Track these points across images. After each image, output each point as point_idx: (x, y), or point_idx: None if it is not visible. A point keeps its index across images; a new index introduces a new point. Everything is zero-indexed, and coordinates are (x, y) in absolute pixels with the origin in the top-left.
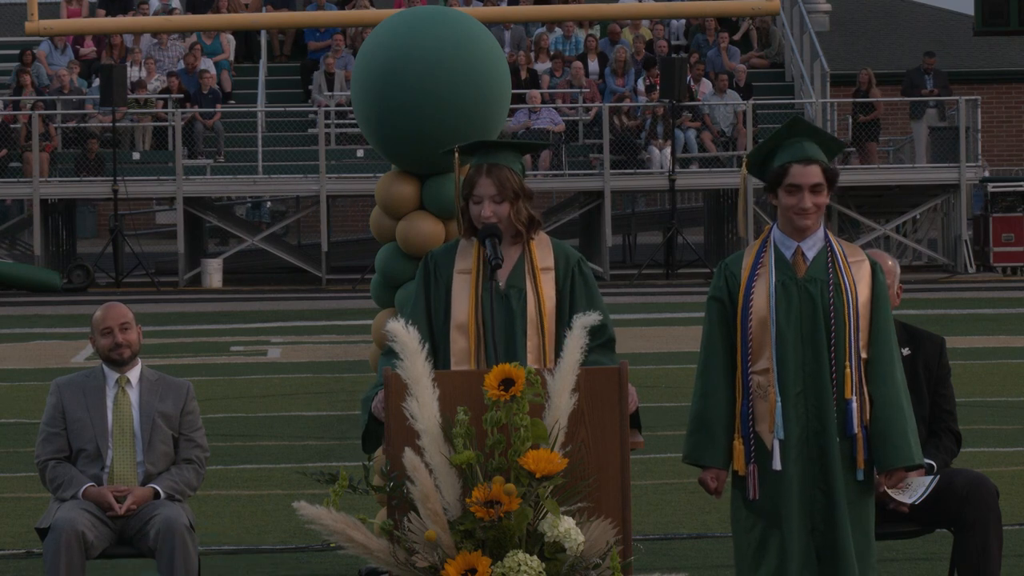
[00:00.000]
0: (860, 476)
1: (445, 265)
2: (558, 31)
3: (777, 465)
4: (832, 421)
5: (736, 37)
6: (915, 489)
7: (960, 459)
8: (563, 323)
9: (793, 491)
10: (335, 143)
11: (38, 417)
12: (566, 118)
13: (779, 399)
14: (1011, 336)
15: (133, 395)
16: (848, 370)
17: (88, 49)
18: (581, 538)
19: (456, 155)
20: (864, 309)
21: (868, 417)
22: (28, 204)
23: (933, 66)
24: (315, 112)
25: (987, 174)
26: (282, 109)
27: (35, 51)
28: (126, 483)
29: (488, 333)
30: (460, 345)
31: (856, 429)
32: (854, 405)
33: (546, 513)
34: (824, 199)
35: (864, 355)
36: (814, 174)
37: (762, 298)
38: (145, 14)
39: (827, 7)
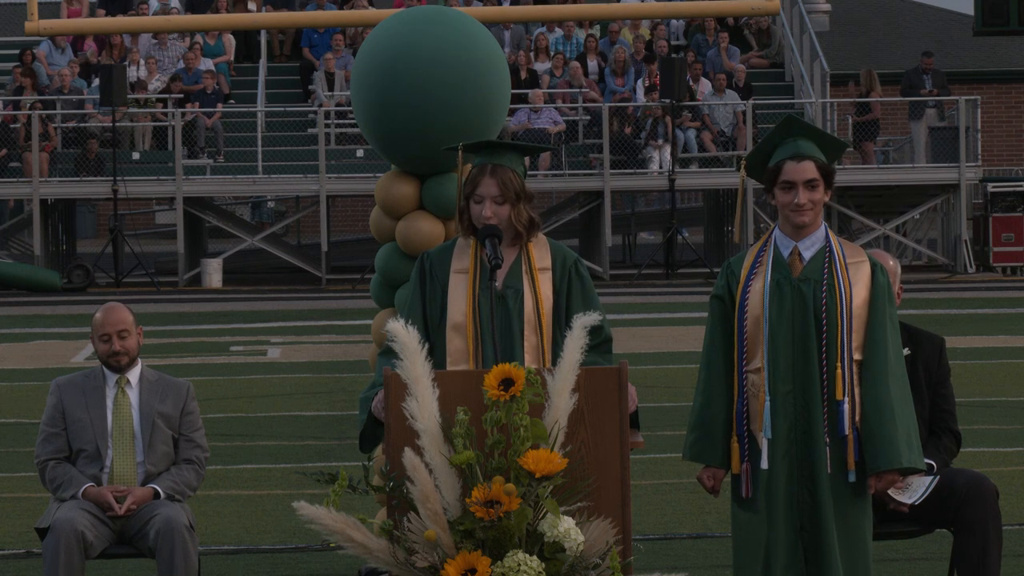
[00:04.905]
0: (851, 478)
1: (442, 265)
2: (558, 31)
3: (765, 464)
4: (819, 422)
5: (735, 40)
6: (915, 489)
7: (960, 459)
8: (560, 323)
9: (780, 490)
10: (335, 143)
11: (38, 417)
12: (566, 118)
13: (768, 398)
14: (1011, 336)
15: (133, 395)
16: (839, 371)
17: (87, 52)
18: (581, 538)
19: (460, 153)
20: (860, 311)
21: (858, 419)
22: (28, 204)
23: (931, 66)
24: (315, 112)
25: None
26: (282, 109)
27: (35, 51)
28: (126, 483)
29: (486, 334)
30: (456, 345)
31: (847, 431)
32: (845, 407)
33: (546, 513)
34: (820, 196)
35: (858, 357)
36: (808, 170)
37: (757, 297)
38: (144, 14)
39: (827, 7)
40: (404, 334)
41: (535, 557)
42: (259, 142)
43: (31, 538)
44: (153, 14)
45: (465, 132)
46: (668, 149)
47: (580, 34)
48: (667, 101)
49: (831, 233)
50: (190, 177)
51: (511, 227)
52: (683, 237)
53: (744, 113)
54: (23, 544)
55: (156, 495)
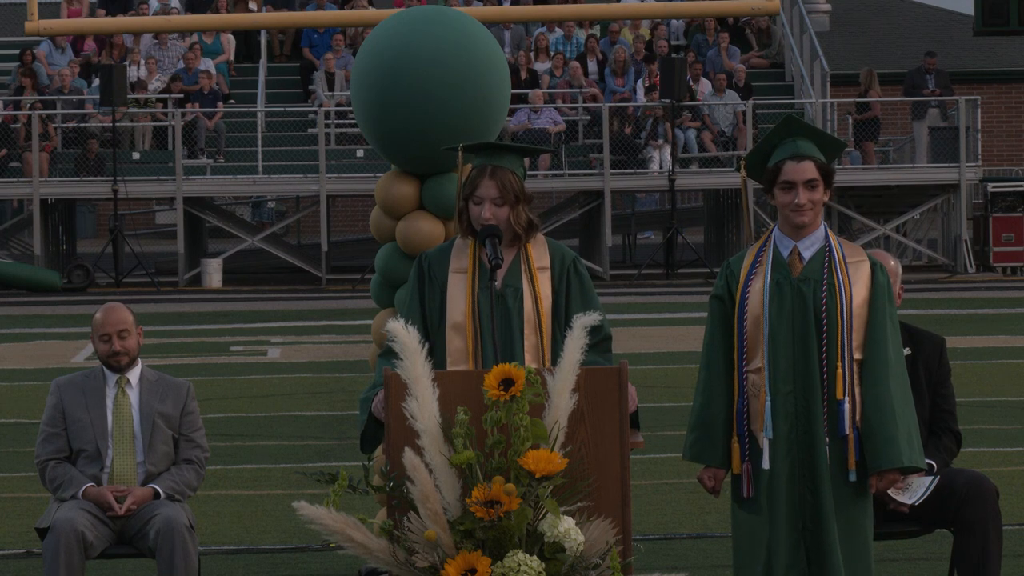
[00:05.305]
0: (852, 477)
1: (440, 265)
2: (558, 31)
3: (766, 463)
4: (820, 421)
5: (735, 40)
6: (915, 489)
7: (960, 459)
8: (560, 322)
9: (782, 490)
10: (335, 143)
11: (38, 417)
12: (566, 118)
13: (769, 398)
14: (1011, 336)
15: (133, 396)
16: (839, 371)
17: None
18: (581, 538)
19: (460, 153)
20: (860, 310)
21: (859, 418)
22: (28, 204)
23: (934, 66)
24: (315, 112)
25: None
26: (282, 109)
27: (35, 51)
28: (126, 483)
29: (486, 333)
30: (456, 345)
31: (847, 430)
32: (846, 406)
33: (546, 513)
34: (820, 195)
35: (858, 356)
36: (808, 170)
37: (756, 297)
38: (144, 14)
39: (827, 7)
40: (404, 334)
41: (535, 557)
42: (259, 142)
43: (31, 538)
44: (153, 14)
45: (465, 132)
46: (668, 149)
47: (580, 34)
48: (667, 101)
49: (831, 233)
50: (190, 177)
51: (510, 228)
52: (682, 236)
53: (744, 113)
54: (23, 544)
55: (156, 495)
